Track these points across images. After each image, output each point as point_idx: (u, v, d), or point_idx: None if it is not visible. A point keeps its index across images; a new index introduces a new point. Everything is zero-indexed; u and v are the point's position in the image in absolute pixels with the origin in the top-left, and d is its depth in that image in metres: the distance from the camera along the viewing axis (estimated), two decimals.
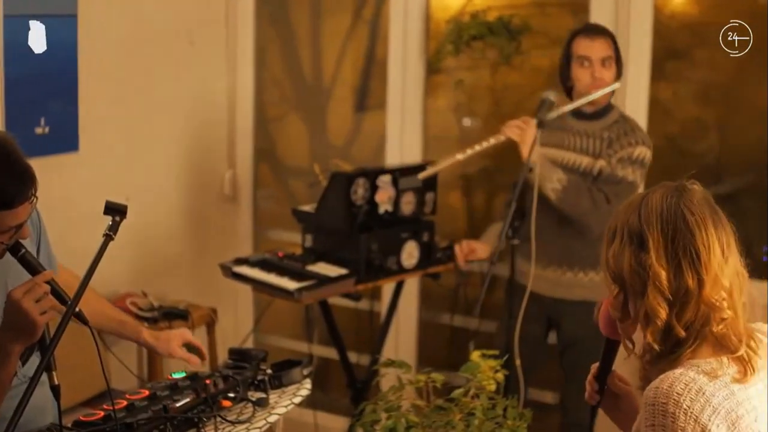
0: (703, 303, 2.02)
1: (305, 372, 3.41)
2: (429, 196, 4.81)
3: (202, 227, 5.65)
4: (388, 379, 3.61)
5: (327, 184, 4.60)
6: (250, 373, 3.27)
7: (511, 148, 4.26)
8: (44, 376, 2.44)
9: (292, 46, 5.85)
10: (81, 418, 2.81)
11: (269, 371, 3.33)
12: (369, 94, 5.62)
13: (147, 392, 2.98)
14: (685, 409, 1.93)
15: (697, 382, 1.96)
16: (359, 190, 4.55)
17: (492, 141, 4.25)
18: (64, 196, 4.53)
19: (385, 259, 4.58)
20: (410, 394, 3.39)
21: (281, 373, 3.33)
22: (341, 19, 5.66)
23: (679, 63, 4.87)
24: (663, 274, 2.02)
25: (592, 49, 4.21)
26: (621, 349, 2.22)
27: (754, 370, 2.02)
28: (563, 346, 4.42)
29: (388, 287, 5.06)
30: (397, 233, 4.65)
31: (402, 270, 4.68)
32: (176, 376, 3.15)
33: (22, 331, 2.47)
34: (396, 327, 5.16)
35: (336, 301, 4.73)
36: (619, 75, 4.27)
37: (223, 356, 4.11)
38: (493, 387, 3.30)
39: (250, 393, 3.20)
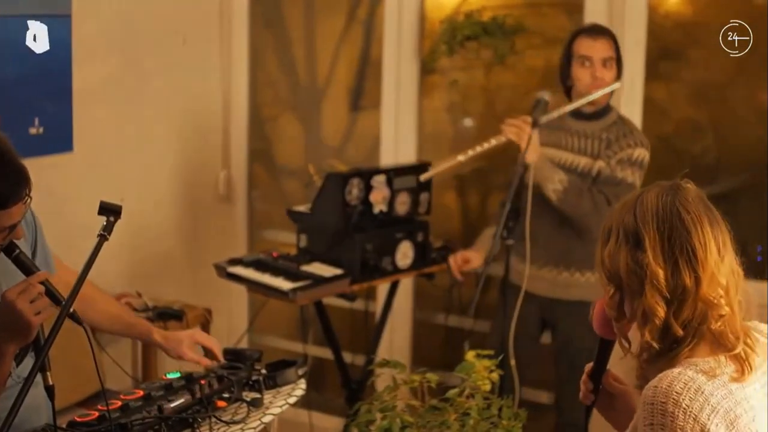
0: (701, 301, 2.02)
1: (300, 372, 3.40)
2: (423, 197, 4.81)
3: (196, 227, 5.64)
4: (383, 379, 3.61)
5: (321, 185, 4.60)
6: (245, 373, 3.27)
7: (506, 148, 4.26)
8: (39, 377, 2.44)
9: (287, 46, 5.85)
10: (75, 418, 2.81)
11: (264, 371, 3.32)
12: (363, 94, 5.62)
13: (141, 393, 2.98)
14: (684, 408, 1.93)
15: (696, 381, 1.96)
16: (354, 190, 4.55)
17: (493, 142, 4.25)
18: (59, 196, 4.53)
19: (379, 260, 4.58)
20: (405, 394, 3.39)
21: (276, 374, 3.33)
22: (336, 19, 5.66)
23: (674, 63, 4.87)
24: (660, 273, 2.02)
25: (594, 49, 4.22)
26: (617, 348, 2.21)
27: (751, 369, 2.03)
28: (559, 346, 4.43)
29: (382, 287, 5.07)
30: (391, 233, 4.65)
31: (397, 270, 4.68)
32: (171, 376, 3.14)
33: (17, 331, 2.46)
34: (391, 327, 5.16)
35: (331, 301, 4.73)
36: (618, 76, 4.28)
37: None
38: (488, 387, 3.30)
39: (244, 393, 3.20)
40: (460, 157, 4.32)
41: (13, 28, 4.30)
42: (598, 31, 4.28)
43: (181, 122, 5.46)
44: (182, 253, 5.54)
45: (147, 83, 5.18)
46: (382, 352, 5.01)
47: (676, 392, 1.94)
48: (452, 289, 4.80)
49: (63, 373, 2.86)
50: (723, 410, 1.95)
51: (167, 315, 4.86)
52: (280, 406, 3.19)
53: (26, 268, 2.56)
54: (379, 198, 4.64)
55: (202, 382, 3.07)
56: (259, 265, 4.60)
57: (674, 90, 4.94)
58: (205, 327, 5.04)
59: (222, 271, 4.66)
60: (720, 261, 2.04)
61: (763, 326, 2.17)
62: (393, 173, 4.70)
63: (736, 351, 2.04)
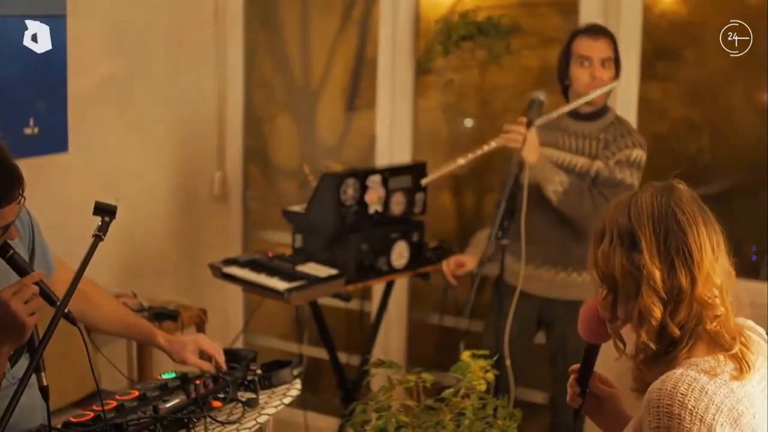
0: (696, 301, 2.03)
1: (295, 372, 3.40)
2: (419, 196, 4.81)
3: (191, 228, 5.64)
4: (378, 379, 3.61)
5: (317, 185, 4.60)
6: (240, 373, 3.27)
7: (502, 148, 4.26)
8: (33, 378, 2.44)
9: (282, 46, 5.84)
10: (70, 419, 2.81)
11: (259, 372, 3.32)
12: (359, 94, 5.61)
13: (137, 393, 2.98)
14: (690, 410, 1.93)
15: (699, 381, 1.96)
16: (349, 190, 4.55)
17: (493, 144, 4.24)
18: (54, 196, 4.52)
19: (375, 260, 4.58)
20: (400, 394, 3.39)
21: (271, 374, 3.33)
22: (331, 20, 5.66)
23: (669, 62, 4.88)
24: (657, 274, 2.03)
25: (594, 49, 4.22)
26: (611, 349, 2.21)
27: (749, 367, 2.03)
28: (555, 346, 4.42)
29: (378, 287, 5.07)
30: (387, 233, 4.65)
31: (392, 270, 4.68)
32: (166, 376, 3.14)
33: (11, 332, 2.46)
34: (386, 327, 5.16)
35: (326, 301, 4.73)
36: (616, 76, 4.28)
37: None
38: (483, 387, 3.30)
39: (240, 393, 3.20)
40: (461, 161, 4.32)
41: (7, 28, 4.29)
42: (598, 32, 4.28)
43: (176, 123, 5.45)
44: (177, 254, 5.53)
45: (142, 84, 5.17)
46: (378, 352, 5.01)
47: (681, 393, 1.94)
48: (447, 290, 4.79)
49: (58, 374, 2.87)
50: (727, 409, 1.95)
51: (162, 315, 4.85)
52: (276, 407, 3.19)
53: (20, 268, 2.55)
54: (374, 198, 4.64)
55: (198, 382, 3.08)
56: (255, 266, 4.60)
57: (669, 90, 4.94)
58: (200, 327, 5.03)
59: (217, 272, 4.66)
60: (714, 261, 2.05)
61: (751, 323, 2.18)
62: (388, 173, 4.70)
63: (734, 351, 2.04)
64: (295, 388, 3.34)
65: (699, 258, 2.03)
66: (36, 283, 2.49)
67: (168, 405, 2.93)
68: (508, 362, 4.13)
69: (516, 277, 4.25)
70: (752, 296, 2.20)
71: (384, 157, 5.31)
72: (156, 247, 5.39)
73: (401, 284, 5.19)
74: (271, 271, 4.52)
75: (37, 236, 2.86)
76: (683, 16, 4.88)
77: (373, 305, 5.18)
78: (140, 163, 5.23)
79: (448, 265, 4.54)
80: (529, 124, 4.13)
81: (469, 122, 5.41)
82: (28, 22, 4.35)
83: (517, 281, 4.24)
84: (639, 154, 4.21)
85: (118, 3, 4.98)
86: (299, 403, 4.49)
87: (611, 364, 2.23)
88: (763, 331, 2.18)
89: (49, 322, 2.43)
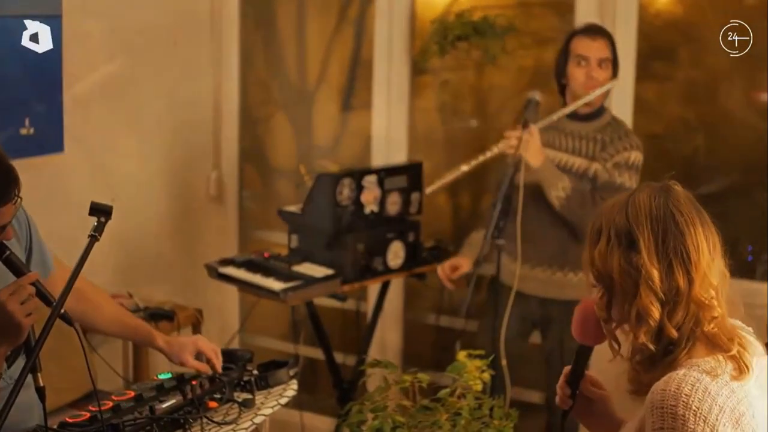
0: (693, 302, 2.03)
1: (291, 373, 3.40)
2: (415, 196, 4.81)
3: (187, 228, 5.64)
4: (374, 379, 3.61)
5: (312, 185, 4.60)
6: (237, 374, 3.27)
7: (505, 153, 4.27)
8: (30, 378, 2.44)
9: (278, 46, 5.84)
10: (67, 419, 2.81)
11: (255, 372, 3.33)
12: (354, 94, 5.61)
13: (133, 393, 2.98)
14: (695, 411, 1.93)
15: (702, 382, 1.97)
16: (345, 190, 4.55)
17: (495, 150, 4.25)
18: (49, 197, 4.52)
19: (371, 260, 4.58)
20: (396, 394, 3.40)
21: (267, 374, 3.33)
22: (326, 20, 5.65)
23: (665, 62, 4.88)
24: (655, 274, 2.03)
25: (591, 49, 4.22)
26: (606, 350, 2.21)
27: (748, 368, 2.03)
28: (551, 346, 4.43)
29: (373, 287, 5.06)
30: (382, 233, 4.65)
31: (388, 270, 4.68)
32: (162, 377, 3.14)
33: (7, 333, 2.46)
34: (382, 327, 5.16)
35: (322, 301, 4.73)
36: (614, 78, 4.28)
37: None
38: (479, 387, 3.30)
39: (236, 394, 3.20)
40: (464, 167, 4.32)
41: (3, 28, 4.29)
42: (596, 32, 4.28)
43: (172, 123, 5.45)
44: (173, 254, 5.53)
45: (138, 84, 5.17)
46: (374, 353, 5.01)
47: (685, 394, 1.95)
48: (443, 290, 4.79)
49: (54, 374, 2.87)
50: (729, 409, 1.95)
51: (158, 316, 4.85)
52: (272, 407, 3.19)
53: (17, 269, 2.55)
54: (370, 198, 4.64)
55: (194, 382, 3.08)
56: (251, 266, 4.60)
57: (665, 89, 4.94)
58: (196, 328, 5.03)
59: (213, 272, 4.66)
60: (711, 262, 2.06)
61: (739, 323, 2.18)
62: (384, 173, 4.71)
63: (732, 352, 2.04)
64: (292, 389, 3.34)
65: (696, 259, 2.03)
66: (32, 284, 2.49)
67: (164, 405, 2.93)
68: (504, 362, 4.13)
69: (512, 277, 4.25)
70: (748, 296, 2.20)
71: (380, 157, 5.30)
72: (152, 247, 5.39)
73: (397, 284, 5.19)
74: (267, 272, 4.52)
75: (34, 236, 2.86)
76: (679, 15, 4.88)
77: (369, 305, 5.18)
78: (136, 163, 5.23)
79: (443, 270, 4.53)
80: (525, 125, 4.14)
81: (473, 122, 5.40)
82: (27, 22, 4.34)
83: (513, 281, 4.24)
84: (637, 157, 4.22)
85: (114, 3, 4.98)
86: (295, 403, 4.49)
87: (606, 365, 2.23)
88: (751, 330, 2.19)
89: (44, 323, 2.43)
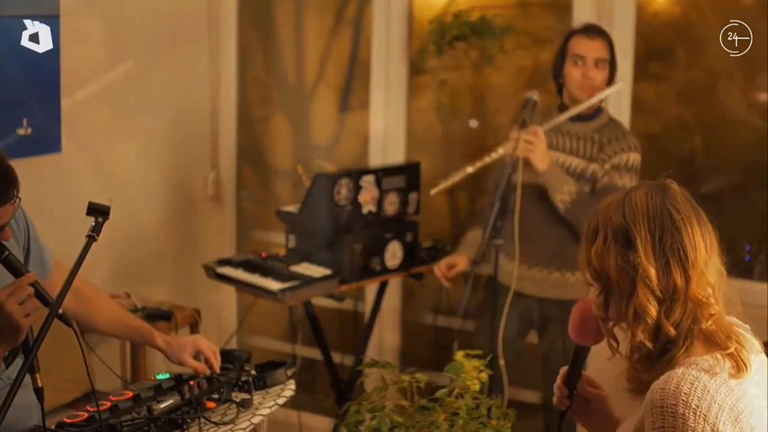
0: (690, 300, 2.03)
1: (289, 373, 3.40)
2: (412, 196, 4.81)
3: (185, 228, 5.64)
4: (371, 379, 3.62)
5: (310, 185, 4.60)
6: (234, 374, 3.27)
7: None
8: (28, 379, 2.44)
9: (275, 46, 5.84)
10: (64, 419, 2.81)
11: (253, 372, 3.33)
12: (352, 94, 5.61)
13: (131, 394, 2.98)
14: (694, 409, 1.93)
15: (701, 380, 1.97)
16: (343, 190, 4.55)
17: (501, 151, 4.25)
18: (47, 197, 4.52)
19: (368, 260, 4.58)
20: (394, 394, 3.40)
21: (265, 374, 3.33)
22: (324, 20, 5.65)
23: (662, 62, 4.88)
24: (652, 272, 2.03)
25: (588, 48, 4.22)
26: (604, 349, 2.21)
27: (745, 366, 2.03)
28: (548, 346, 4.43)
29: (371, 287, 5.06)
30: (380, 234, 4.65)
31: (386, 270, 4.69)
32: (160, 377, 3.14)
33: (6, 333, 2.46)
34: (380, 327, 5.16)
35: (320, 301, 4.73)
36: (611, 79, 4.28)
37: None
38: (477, 387, 3.31)
39: (234, 394, 3.20)
40: (469, 169, 4.32)
41: (1, 28, 4.29)
42: (594, 32, 4.28)
43: (170, 123, 5.45)
44: (171, 254, 5.53)
45: (136, 84, 5.16)
46: (371, 353, 5.02)
47: (684, 393, 1.95)
48: (441, 290, 4.80)
49: (52, 375, 2.87)
50: (728, 407, 1.96)
51: (156, 316, 4.85)
52: (270, 407, 3.19)
53: (15, 269, 2.55)
54: (368, 198, 4.64)
55: (192, 383, 3.08)
56: (248, 266, 4.60)
57: (662, 90, 4.94)
58: (194, 328, 5.03)
59: (211, 272, 4.66)
60: (708, 260, 2.06)
61: (736, 320, 2.18)
62: (382, 173, 4.71)
63: (730, 350, 2.04)
64: (289, 389, 3.34)
65: (693, 257, 2.03)
66: (31, 284, 2.49)
67: (162, 406, 2.93)
68: (501, 362, 4.13)
69: (509, 277, 4.25)
70: (745, 296, 2.20)
71: (377, 157, 5.30)
72: (150, 247, 5.38)
73: (395, 284, 5.19)
74: (265, 272, 4.52)
75: (32, 236, 2.86)
76: (676, 15, 4.88)
77: (367, 305, 5.18)
78: (133, 163, 5.22)
79: (439, 269, 4.53)
80: (523, 125, 4.14)
81: (471, 123, 5.40)
82: (27, 22, 4.34)
83: (510, 281, 4.24)
84: (635, 158, 4.22)
85: (112, 3, 4.98)
86: (293, 403, 4.48)
87: (604, 364, 2.23)
88: (748, 327, 2.19)
89: (42, 323, 2.43)
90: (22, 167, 2.56)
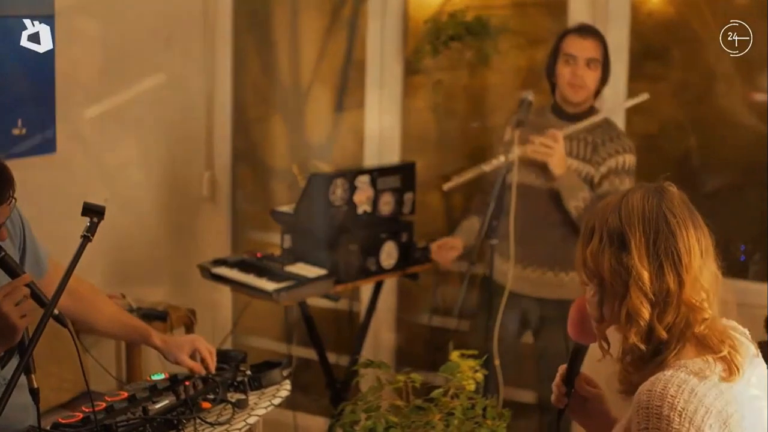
0: (684, 304, 2.03)
1: (285, 373, 3.40)
2: (407, 196, 4.81)
3: (180, 228, 5.63)
4: (367, 379, 3.61)
5: (305, 185, 4.60)
6: (230, 374, 3.27)
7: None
8: (24, 379, 2.43)
9: (271, 46, 5.83)
10: (59, 420, 2.81)
11: (249, 372, 3.33)
12: (348, 94, 5.61)
13: (126, 394, 2.98)
14: (680, 411, 1.93)
15: (689, 383, 1.96)
16: (338, 190, 4.55)
17: (516, 152, 4.23)
18: (42, 197, 4.51)
19: (364, 260, 4.58)
20: (389, 394, 3.40)
21: (260, 375, 3.33)
22: (319, 20, 5.65)
23: (657, 62, 4.88)
24: (645, 275, 2.03)
25: (580, 48, 4.23)
26: (596, 350, 2.21)
27: (738, 369, 2.03)
28: (544, 346, 4.43)
29: (366, 287, 5.06)
30: (376, 234, 4.65)
31: (381, 270, 4.69)
32: (155, 377, 3.14)
33: (2, 334, 2.46)
34: (375, 327, 5.16)
35: (315, 301, 4.73)
36: (604, 80, 4.29)
37: None
38: (472, 387, 3.30)
39: (229, 394, 3.20)
40: (485, 167, 4.32)
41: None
42: (587, 32, 4.29)
43: (165, 123, 5.44)
44: (166, 254, 5.52)
45: (130, 84, 5.16)
46: (367, 353, 5.01)
47: (670, 395, 1.94)
48: (436, 289, 4.80)
49: (47, 375, 2.86)
50: (716, 411, 1.95)
51: (151, 316, 4.84)
52: (265, 407, 3.19)
53: (11, 270, 2.55)
54: (363, 198, 4.64)
55: (187, 383, 3.08)
56: (243, 266, 4.60)
57: (658, 89, 4.94)
58: (189, 328, 5.03)
59: (206, 272, 4.66)
60: (703, 265, 2.05)
61: (734, 323, 2.18)
62: (377, 173, 4.71)
63: (722, 353, 2.04)
64: (285, 389, 3.34)
65: (687, 261, 2.03)
66: (27, 285, 2.49)
67: (157, 406, 2.93)
68: (497, 362, 4.13)
69: (504, 277, 4.26)
70: (740, 296, 2.20)
71: (373, 158, 5.30)
72: (145, 247, 5.38)
73: (390, 284, 5.19)
74: (260, 272, 4.52)
75: (27, 236, 2.86)
76: (671, 15, 4.89)
77: (362, 305, 5.18)
78: (128, 164, 5.22)
79: (438, 253, 4.54)
80: (519, 124, 4.15)
81: (466, 123, 5.40)
82: (27, 21, 4.33)
83: (505, 281, 4.25)
84: (631, 160, 4.23)
85: (106, 3, 4.97)
86: (289, 403, 4.48)
87: (599, 365, 2.23)
88: (747, 332, 2.19)
89: (37, 324, 2.43)
90: (17, 167, 2.56)
